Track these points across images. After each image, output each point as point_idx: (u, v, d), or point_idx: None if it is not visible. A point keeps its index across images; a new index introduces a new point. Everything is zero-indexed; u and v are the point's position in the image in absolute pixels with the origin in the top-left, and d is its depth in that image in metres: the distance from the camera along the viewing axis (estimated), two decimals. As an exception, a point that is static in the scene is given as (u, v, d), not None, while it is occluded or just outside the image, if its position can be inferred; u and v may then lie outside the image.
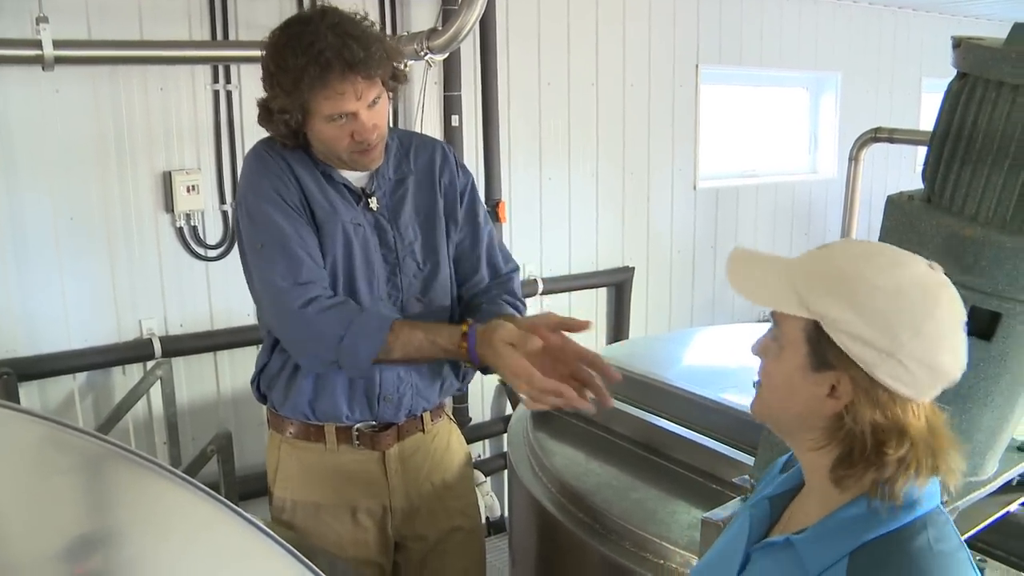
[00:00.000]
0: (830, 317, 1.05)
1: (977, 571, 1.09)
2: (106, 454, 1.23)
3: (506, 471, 4.16)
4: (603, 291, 4.78)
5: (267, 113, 1.86)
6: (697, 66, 4.87)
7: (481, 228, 2.11)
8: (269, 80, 1.82)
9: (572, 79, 4.46)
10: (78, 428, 1.24)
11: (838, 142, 5.57)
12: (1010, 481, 1.68)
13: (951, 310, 1.05)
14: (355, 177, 1.97)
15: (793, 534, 1.12)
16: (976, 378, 1.49)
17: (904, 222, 1.50)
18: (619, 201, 4.77)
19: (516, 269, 2.18)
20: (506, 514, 4.31)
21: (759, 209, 5.38)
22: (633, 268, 4.82)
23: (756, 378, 1.19)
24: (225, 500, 1.25)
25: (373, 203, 1.96)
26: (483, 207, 2.15)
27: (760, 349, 1.18)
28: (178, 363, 3.45)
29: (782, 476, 1.29)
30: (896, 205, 1.52)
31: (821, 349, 1.06)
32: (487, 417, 4.48)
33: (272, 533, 1.26)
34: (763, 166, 5.53)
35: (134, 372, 3.39)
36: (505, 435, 4.34)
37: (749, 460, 1.90)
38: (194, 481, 1.24)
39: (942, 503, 1.12)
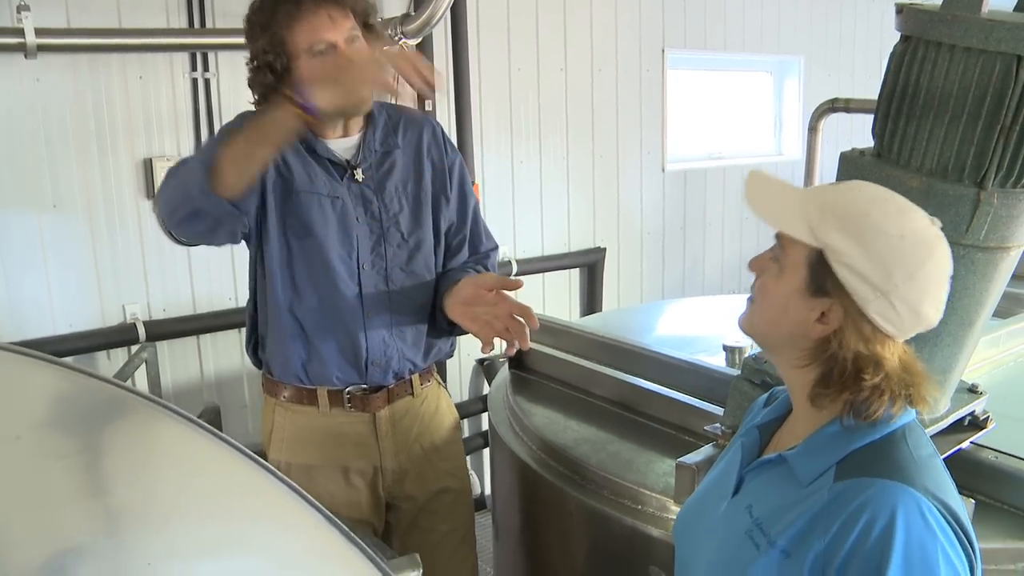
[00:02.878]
0: (834, 248, 1.15)
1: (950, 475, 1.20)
2: (117, 396, 1.31)
3: (485, 450, 4.27)
4: (576, 272, 4.88)
5: (254, 66, 1.94)
6: (663, 51, 4.98)
7: (468, 208, 2.22)
8: (249, 26, 1.92)
9: (541, 65, 4.54)
10: (88, 371, 1.31)
11: (802, 124, 5.70)
12: (961, 420, 1.80)
13: (943, 263, 1.16)
14: (341, 149, 2.05)
15: (784, 451, 1.23)
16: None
17: (856, 175, 1.61)
18: (589, 184, 4.87)
19: (495, 248, 2.30)
20: (487, 492, 4.41)
21: (726, 190, 5.50)
22: (604, 249, 4.92)
23: (749, 294, 1.30)
24: (235, 442, 1.33)
25: (359, 174, 2.04)
26: (470, 186, 2.25)
27: (758, 266, 1.28)
28: (162, 347, 3.51)
29: (767, 408, 1.41)
30: (849, 160, 1.64)
31: (820, 276, 1.17)
32: (466, 397, 4.57)
33: (280, 474, 1.34)
34: (729, 149, 5.65)
35: (119, 356, 3.44)
36: (484, 415, 4.45)
37: (720, 411, 2.01)
38: (205, 424, 1.33)
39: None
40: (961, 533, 1.10)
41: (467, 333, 2.12)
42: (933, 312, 1.16)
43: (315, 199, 2.01)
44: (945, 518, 1.09)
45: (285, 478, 1.33)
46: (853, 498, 1.10)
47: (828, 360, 1.18)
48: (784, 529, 1.15)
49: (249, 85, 1.99)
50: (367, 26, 1.98)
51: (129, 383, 3.27)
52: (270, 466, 1.34)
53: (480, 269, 2.20)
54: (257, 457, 1.34)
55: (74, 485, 1.22)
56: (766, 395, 1.48)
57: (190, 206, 1.81)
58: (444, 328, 2.14)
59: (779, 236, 1.24)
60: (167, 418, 1.31)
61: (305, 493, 1.33)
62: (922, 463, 1.15)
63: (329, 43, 1.89)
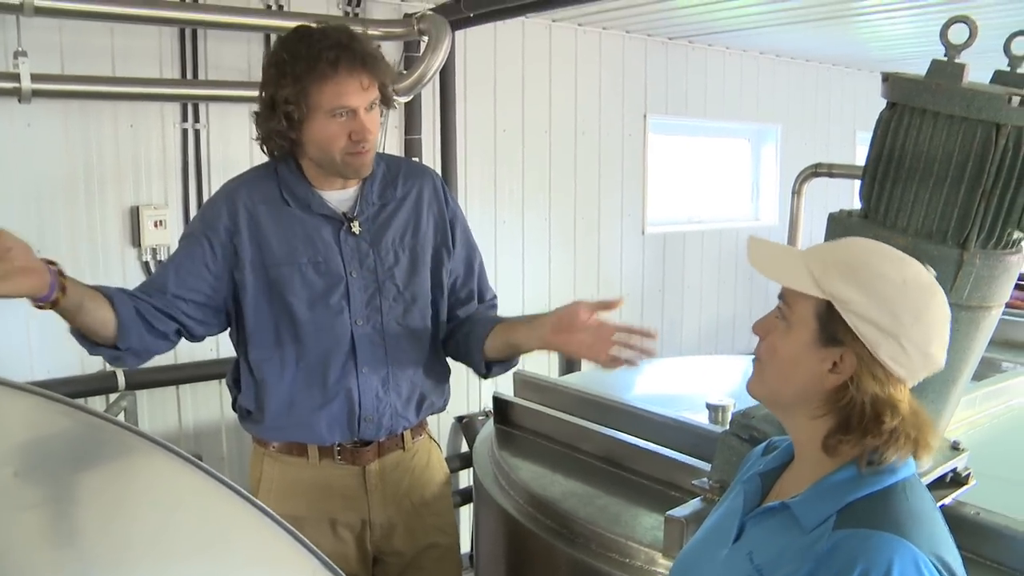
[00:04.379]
0: (842, 298, 1.19)
1: (950, 533, 1.22)
2: (103, 428, 1.31)
3: (462, 508, 4.23)
4: (556, 331, 4.90)
5: (270, 106, 1.95)
6: (645, 115, 5.10)
7: (475, 260, 2.25)
8: (279, 70, 1.93)
9: (526, 126, 4.64)
10: (72, 402, 1.31)
11: (779, 191, 5.84)
12: (943, 476, 1.83)
13: (944, 306, 1.21)
14: (338, 201, 2.07)
15: (788, 499, 1.25)
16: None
17: (844, 236, 1.66)
18: (571, 245, 4.93)
19: (496, 297, 2.33)
20: (463, 549, 4.35)
21: (704, 254, 5.59)
22: (585, 309, 4.95)
23: (756, 354, 1.32)
24: (228, 480, 1.33)
25: (355, 227, 2.06)
26: (473, 238, 2.28)
27: (763, 327, 1.31)
28: (142, 396, 3.48)
29: (768, 456, 1.42)
30: (837, 221, 1.69)
31: (831, 327, 1.20)
32: (444, 454, 4.53)
33: (275, 515, 1.34)
34: (708, 213, 5.76)
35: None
36: (461, 472, 4.41)
37: (707, 467, 2.02)
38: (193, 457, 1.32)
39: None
40: None
41: (498, 374, 2.22)
42: (940, 353, 1.21)
43: (294, 270, 2.02)
44: (940, 573, 1.11)
45: (281, 520, 1.33)
46: (849, 548, 1.12)
47: (844, 408, 1.21)
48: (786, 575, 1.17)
49: (256, 124, 2.01)
50: (384, 95, 2.02)
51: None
52: (265, 506, 1.34)
53: (496, 316, 2.24)
54: (251, 496, 1.33)
55: (53, 521, 1.21)
56: (764, 444, 1.50)
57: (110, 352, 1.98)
58: (481, 370, 2.17)
59: (784, 295, 1.28)
60: (159, 453, 1.30)
61: (301, 536, 1.33)
62: (922, 517, 1.18)
63: (350, 109, 1.92)
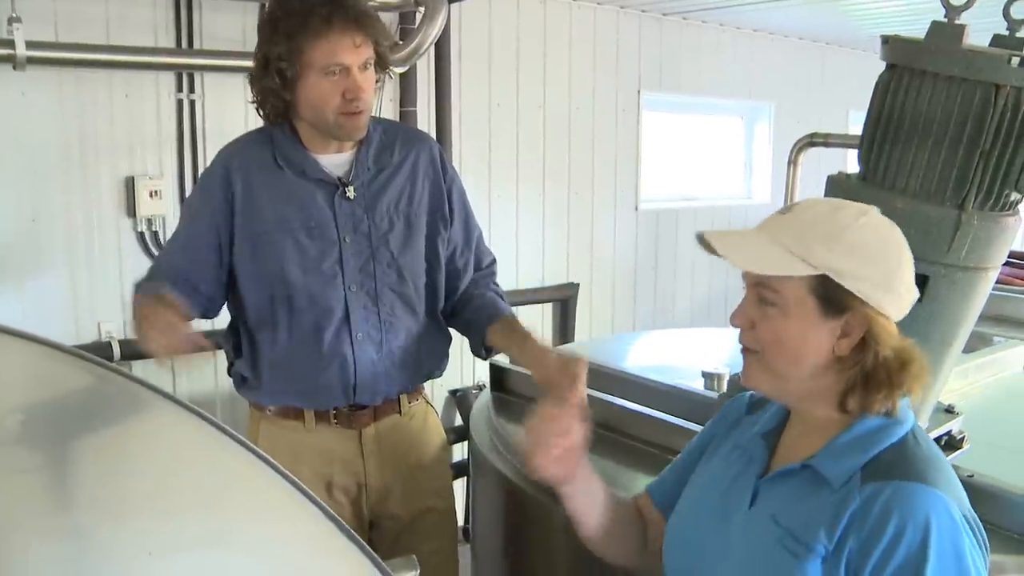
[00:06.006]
0: (837, 268, 1.19)
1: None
2: (105, 377, 1.32)
3: (456, 481, 4.25)
4: (549, 306, 4.93)
5: (264, 64, 1.94)
6: (639, 92, 5.10)
7: (472, 227, 2.24)
8: (272, 26, 1.92)
9: (520, 101, 4.63)
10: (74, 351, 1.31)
11: (772, 168, 5.85)
12: (938, 439, 1.85)
13: (901, 234, 1.26)
14: (333, 165, 2.06)
15: (805, 460, 1.25)
16: (908, 337, 1.66)
17: (844, 198, 1.67)
18: (564, 220, 4.94)
19: (495, 261, 2.33)
20: (460, 523, 4.37)
21: (698, 231, 5.59)
22: (578, 284, 4.98)
23: (748, 346, 1.29)
24: (232, 431, 1.34)
25: (350, 192, 2.05)
26: (470, 207, 2.27)
27: (747, 318, 1.28)
28: (136, 366, 3.47)
29: (764, 415, 1.40)
30: (836, 183, 1.70)
31: (831, 297, 1.21)
32: (437, 427, 4.55)
33: (279, 465, 1.34)
34: (701, 191, 5.77)
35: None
36: (455, 446, 4.43)
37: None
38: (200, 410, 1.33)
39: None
40: (976, 525, 1.16)
41: (496, 354, 2.25)
42: (914, 283, 1.26)
43: (287, 236, 2.02)
44: (963, 514, 1.15)
45: (284, 471, 1.33)
46: (882, 502, 1.14)
47: (865, 366, 1.22)
48: (823, 534, 1.17)
49: (251, 84, 2.00)
50: (380, 56, 2.01)
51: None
52: (268, 456, 1.34)
53: (498, 290, 2.26)
54: (255, 447, 1.34)
55: (57, 472, 1.21)
56: (746, 403, 1.49)
57: None
58: (481, 355, 2.21)
59: (764, 283, 1.25)
60: (165, 405, 1.31)
61: (304, 487, 1.33)
62: (938, 462, 1.22)
63: (344, 66, 1.91)
